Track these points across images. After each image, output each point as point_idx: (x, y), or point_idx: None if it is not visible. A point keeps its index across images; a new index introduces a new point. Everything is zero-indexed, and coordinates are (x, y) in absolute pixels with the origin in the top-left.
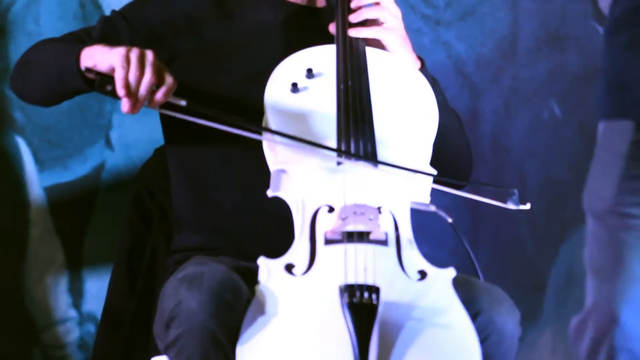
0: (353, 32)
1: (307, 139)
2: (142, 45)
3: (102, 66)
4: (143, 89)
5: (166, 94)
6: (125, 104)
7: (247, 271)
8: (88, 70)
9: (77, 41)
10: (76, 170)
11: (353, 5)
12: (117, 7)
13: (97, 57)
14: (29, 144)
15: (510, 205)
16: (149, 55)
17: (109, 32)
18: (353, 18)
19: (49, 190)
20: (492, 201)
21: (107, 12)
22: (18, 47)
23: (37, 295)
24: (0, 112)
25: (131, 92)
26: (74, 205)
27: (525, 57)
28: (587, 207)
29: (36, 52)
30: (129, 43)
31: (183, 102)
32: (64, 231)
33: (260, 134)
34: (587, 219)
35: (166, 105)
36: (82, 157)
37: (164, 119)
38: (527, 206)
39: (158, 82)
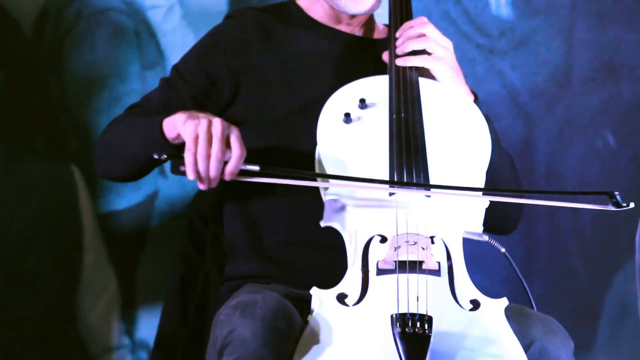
0: (400, 62)
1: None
2: (204, 96)
3: (183, 138)
4: (213, 171)
5: (237, 166)
6: (200, 185)
7: (299, 299)
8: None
9: (142, 113)
10: (130, 198)
11: (398, 35)
12: (171, 36)
13: (178, 127)
14: (83, 172)
15: (611, 208)
16: (217, 127)
17: (169, 95)
18: (399, 50)
19: (103, 218)
20: (593, 206)
21: (162, 41)
22: (74, 76)
23: (90, 322)
24: (55, 140)
25: (201, 177)
26: (128, 233)
27: (580, 87)
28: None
29: (116, 135)
30: (190, 99)
31: (256, 168)
32: (117, 258)
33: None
34: (637, 256)
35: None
36: (136, 185)
37: None
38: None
39: (228, 155)
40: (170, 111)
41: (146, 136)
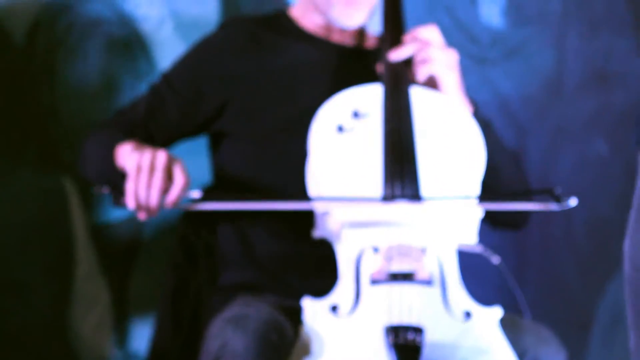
0: (394, 55)
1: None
2: (191, 106)
3: (126, 167)
4: (153, 200)
5: (177, 195)
6: (139, 214)
7: (291, 310)
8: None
9: (125, 122)
10: (122, 209)
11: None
12: (162, 47)
13: (125, 157)
14: (76, 183)
15: (553, 206)
16: (161, 158)
17: (155, 103)
18: (397, 52)
19: (95, 229)
20: (535, 206)
21: (154, 52)
22: (66, 87)
23: (82, 334)
24: (46, 152)
25: (141, 205)
26: (120, 245)
27: (571, 95)
28: (628, 256)
29: (87, 149)
30: (176, 109)
31: (198, 195)
32: (109, 270)
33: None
34: (625, 267)
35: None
36: None
37: (215, 163)
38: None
39: (169, 185)
40: (156, 119)
41: (101, 165)
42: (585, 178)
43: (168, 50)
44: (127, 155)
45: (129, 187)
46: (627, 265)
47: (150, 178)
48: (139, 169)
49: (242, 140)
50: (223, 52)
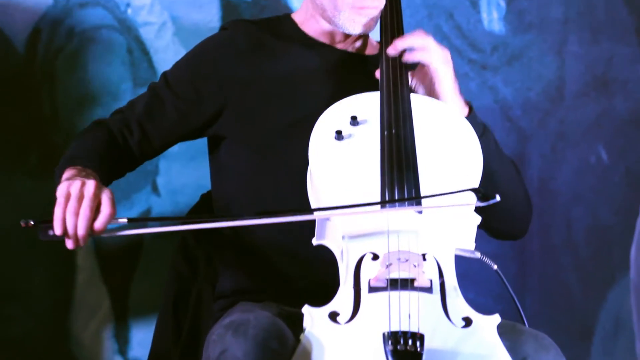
0: (391, 49)
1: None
2: (189, 108)
3: (56, 195)
4: (81, 229)
5: (103, 222)
6: (68, 243)
7: (292, 316)
8: None
9: (121, 121)
10: (122, 215)
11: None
12: (163, 53)
13: (58, 186)
14: None
15: (479, 203)
16: (89, 187)
17: (154, 103)
18: (391, 49)
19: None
20: (460, 204)
21: (154, 58)
22: (67, 93)
23: (83, 340)
24: (47, 158)
25: (69, 233)
26: (121, 251)
27: (572, 102)
28: (634, 263)
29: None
30: (173, 110)
31: (124, 220)
32: (110, 277)
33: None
34: (632, 274)
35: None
36: (129, 203)
37: (212, 167)
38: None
39: (96, 214)
40: (154, 119)
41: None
42: (586, 184)
43: (168, 55)
44: (61, 183)
45: (57, 213)
46: (633, 272)
47: (78, 206)
48: (67, 197)
49: (240, 144)
50: (223, 54)
